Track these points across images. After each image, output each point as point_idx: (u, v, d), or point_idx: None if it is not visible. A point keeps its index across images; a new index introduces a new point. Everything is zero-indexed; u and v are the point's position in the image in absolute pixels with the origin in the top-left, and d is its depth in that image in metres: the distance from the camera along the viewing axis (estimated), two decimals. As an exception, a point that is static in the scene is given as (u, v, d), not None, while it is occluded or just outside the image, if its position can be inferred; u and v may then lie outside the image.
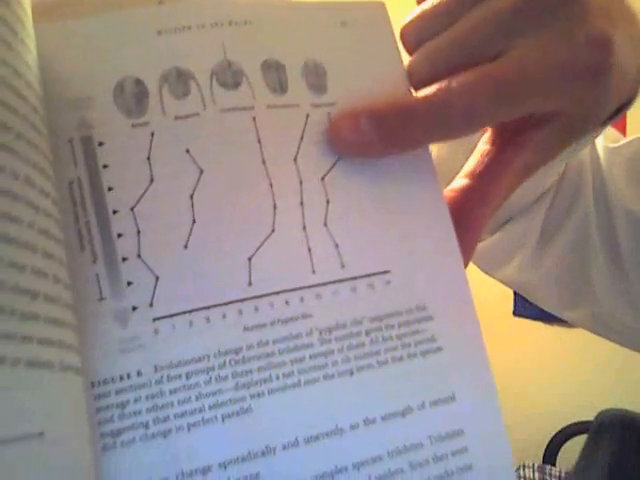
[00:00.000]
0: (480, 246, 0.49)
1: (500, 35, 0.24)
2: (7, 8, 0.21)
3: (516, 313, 1.85)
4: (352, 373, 0.22)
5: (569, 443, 1.71)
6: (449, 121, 0.23)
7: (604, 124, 0.34)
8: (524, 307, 1.82)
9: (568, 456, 1.62)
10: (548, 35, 0.23)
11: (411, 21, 0.26)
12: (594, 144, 0.48)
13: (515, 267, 0.49)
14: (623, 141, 0.47)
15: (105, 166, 0.22)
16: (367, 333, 0.23)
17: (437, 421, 0.23)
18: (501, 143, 0.26)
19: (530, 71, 0.23)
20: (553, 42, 0.23)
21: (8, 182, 0.19)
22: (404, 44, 0.27)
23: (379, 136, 0.23)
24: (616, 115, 0.33)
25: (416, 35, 0.26)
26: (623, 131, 1.92)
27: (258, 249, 0.22)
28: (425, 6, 0.26)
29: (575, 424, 1.71)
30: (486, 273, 0.52)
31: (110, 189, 0.22)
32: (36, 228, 0.20)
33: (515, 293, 1.75)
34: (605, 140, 0.48)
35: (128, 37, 0.24)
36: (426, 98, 0.23)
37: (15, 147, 0.19)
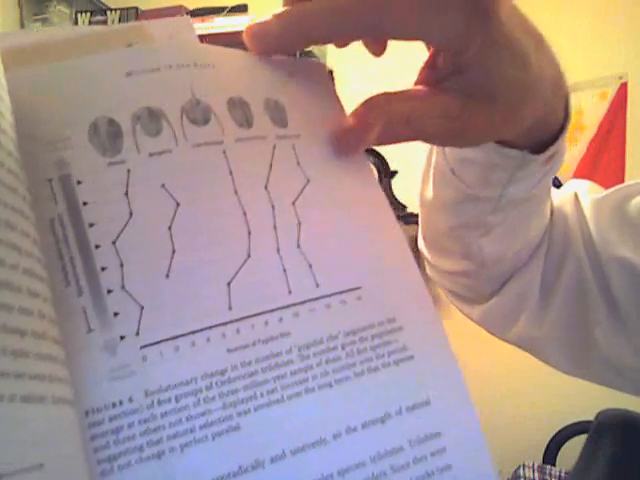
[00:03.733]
0: (487, 308, 0.52)
1: None
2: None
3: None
4: (331, 385, 0.23)
5: (569, 443, 1.74)
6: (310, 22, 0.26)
7: (541, 152, 0.36)
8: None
9: (568, 456, 1.64)
10: None
11: None
12: (577, 200, 0.50)
13: (522, 325, 0.50)
14: (607, 191, 0.49)
15: (85, 203, 0.23)
16: (343, 347, 0.24)
17: (415, 425, 0.24)
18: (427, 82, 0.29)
19: None
20: None
21: (-10, 227, 0.20)
22: None
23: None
24: (553, 143, 0.35)
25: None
26: (622, 176, 1.99)
27: (236, 274, 0.24)
28: None
29: (575, 424, 1.73)
30: (498, 337, 0.55)
31: (91, 225, 0.23)
32: (20, 269, 0.20)
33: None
34: (590, 193, 0.50)
35: (99, 79, 0.25)
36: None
37: (-7, 193, 0.20)
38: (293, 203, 0.25)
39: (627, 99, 2.04)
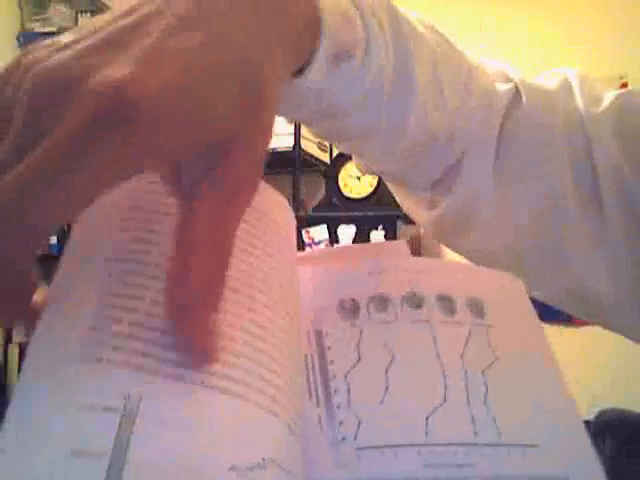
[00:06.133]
0: (436, 215, 0.48)
1: None
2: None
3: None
4: None
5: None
6: None
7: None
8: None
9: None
10: None
11: None
12: (571, 94, 0.45)
13: (472, 237, 0.46)
14: (606, 101, 0.45)
15: (329, 347, 0.32)
16: None
17: None
18: None
19: None
20: None
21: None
22: None
23: None
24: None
25: None
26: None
27: (433, 412, 0.30)
28: None
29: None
30: (448, 246, 0.49)
31: (331, 362, 0.32)
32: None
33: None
34: (585, 97, 0.45)
35: (350, 275, 0.36)
36: None
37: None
38: (482, 371, 0.32)
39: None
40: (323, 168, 3.01)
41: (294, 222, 0.35)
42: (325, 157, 2.99)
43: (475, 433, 0.30)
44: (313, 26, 0.32)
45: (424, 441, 0.29)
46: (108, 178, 0.21)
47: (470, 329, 0.34)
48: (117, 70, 0.21)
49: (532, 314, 0.36)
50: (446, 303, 0.35)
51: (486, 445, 0.29)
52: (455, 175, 0.46)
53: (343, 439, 0.29)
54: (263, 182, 0.29)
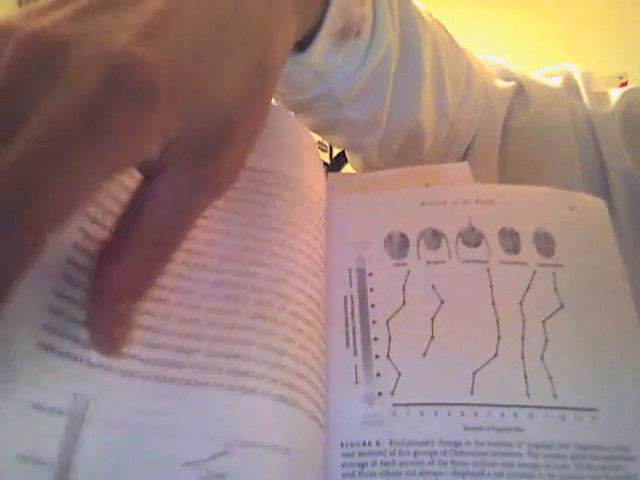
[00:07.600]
0: None
1: None
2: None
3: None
4: None
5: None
6: None
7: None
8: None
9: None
10: None
11: None
12: (577, 91, 0.46)
13: None
14: (613, 100, 0.45)
15: (371, 289, 0.30)
16: (572, 458, 0.25)
17: None
18: None
19: None
20: None
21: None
22: None
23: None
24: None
25: None
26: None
27: (482, 367, 0.27)
28: None
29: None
30: None
31: (372, 305, 0.29)
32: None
33: None
34: (590, 95, 0.46)
35: (399, 205, 0.33)
36: None
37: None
38: (543, 322, 0.29)
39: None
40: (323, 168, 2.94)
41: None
42: (325, 157, 2.93)
43: (527, 393, 0.27)
44: None
45: (469, 400, 0.27)
46: (121, 158, 0.18)
47: (535, 270, 0.30)
48: (118, 37, 0.18)
49: (613, 251, 0.32)
50: (509, 239, 0.31)
51: (538, 407, 0.27)
52: None
53: (379, 393, 0.27)
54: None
